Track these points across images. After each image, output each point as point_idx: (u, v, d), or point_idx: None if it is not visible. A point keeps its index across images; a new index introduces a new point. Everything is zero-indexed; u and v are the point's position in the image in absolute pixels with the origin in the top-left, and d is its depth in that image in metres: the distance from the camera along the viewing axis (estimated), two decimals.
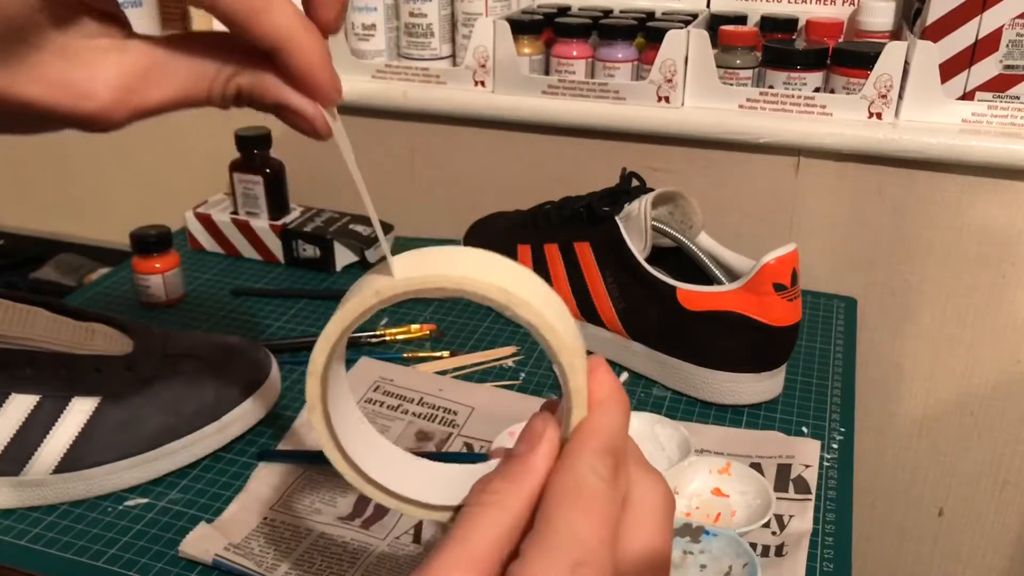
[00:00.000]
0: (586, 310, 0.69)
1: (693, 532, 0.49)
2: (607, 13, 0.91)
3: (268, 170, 0.84)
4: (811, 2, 0.88)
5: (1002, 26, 0.74)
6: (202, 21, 1.06)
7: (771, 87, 0.80)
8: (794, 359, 0.70)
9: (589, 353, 0.31)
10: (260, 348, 0.62)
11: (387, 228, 0.86)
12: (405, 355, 0.70)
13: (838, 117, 0.79)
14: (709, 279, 0.67)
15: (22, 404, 0.52)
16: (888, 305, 0.86)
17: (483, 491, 0.29)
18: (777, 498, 0.54)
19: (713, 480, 0.55)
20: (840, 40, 0.83)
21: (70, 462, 0.53)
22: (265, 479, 0.55)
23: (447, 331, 0.74)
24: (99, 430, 0.53)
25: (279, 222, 0.85)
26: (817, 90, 0.80)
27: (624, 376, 0.68)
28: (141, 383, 0.55)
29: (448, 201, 0.95)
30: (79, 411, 0.53)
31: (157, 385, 0.56)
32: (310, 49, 0.32)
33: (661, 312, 0.64)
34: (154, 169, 1.09)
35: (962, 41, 0.75)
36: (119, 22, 0.34)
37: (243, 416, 0.58)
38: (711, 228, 0.69)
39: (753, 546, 0.51)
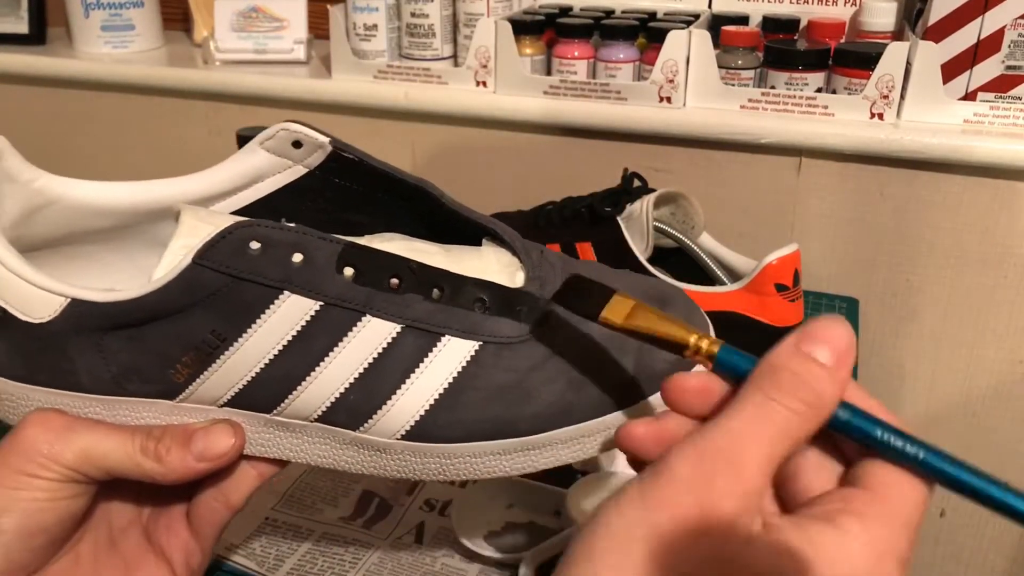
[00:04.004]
0: None
1: None
2: (609, 13, 0.91)
3: None
4: (813, 2, 0.88)
5: (1004, 26, 0.74)
6: (203, 22, 1.06)
7: (773, 87, 0.80)
8: None
9: None
10: (696, 307, 0.43)
11: None
12: None
13: (840, 117, 0.79)
14: (711, 280, 0.67)
15: (377, 332, 0.36)
16: (890, 305, 0.86)
17: (794, 391, 0.26)
18: None
19: None
20: (842, 40, 0.83)
21: (426, 428, 0.37)
22: None
23: None
24: (471, 392, 0.37)
25: None
26: (819, 90, 0.79)
27: None
28: (534, 335, 0.38)
29: None
30: (450, 358, 0.37)
31: (554, 341, 0.38)
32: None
33: None
34: (155, 169, 1.09)
35: (964, 41, 0.75)
36: None
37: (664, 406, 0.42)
38: (713, 228, 0.69)
39: None
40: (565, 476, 0.55)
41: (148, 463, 0.35)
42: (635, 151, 0.87)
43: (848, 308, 0.81)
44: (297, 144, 0.39)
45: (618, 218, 0.66)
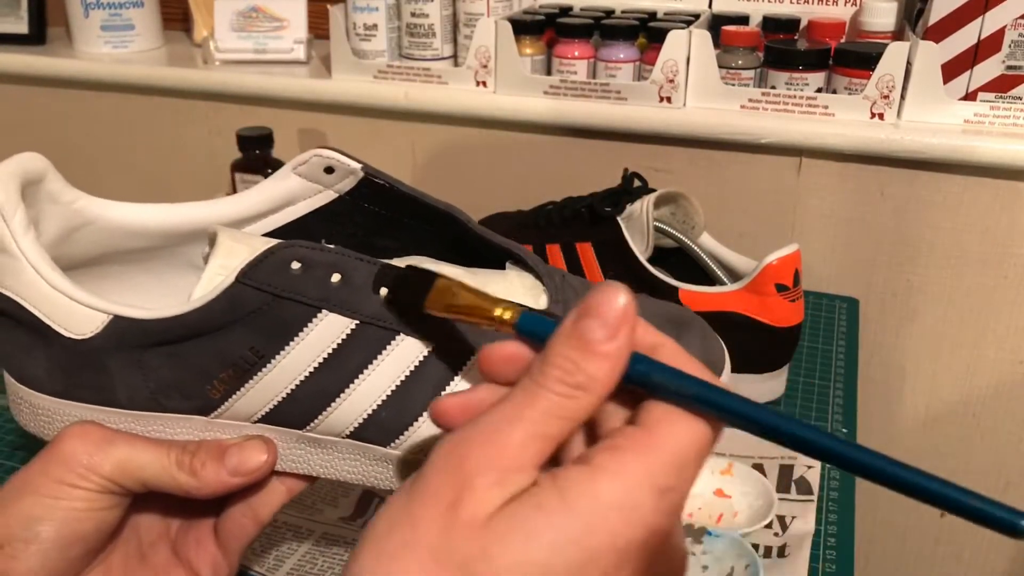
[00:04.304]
0: None
1: (695, 533, 0.49)
2: (609, 13, 0.91)
3: (269, 170, 0.84)
4: (813, 2, 0.88)
5: (1004, 26, 0.74)
6: (203, 22, 1.06)
7: (773, 87, 0.80)
8: (796, 360, 0.70)
9: None
10: (711, 331, 0.45)
11: None
12: None
13: (840, 117, 0.78)
14: (711, 280, 0.67)
15: (410, 350, 0.37)
16: (890, 306, 0.86)
17: (563, 377, 0.25)
18: (779, 499, 0.53)
19: (715, 481, 0.55)
20: (842, 40, 0.83)
21: None
22: None
23: None
24: None
25: None
26: (819, 90, 0.79)
27: None
28: None
29: (450, 201, 0.95)
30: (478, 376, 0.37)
31: None
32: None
33: None
34: (155, 169, 1.09)
35: (964, 41, 0.75)
36: None
37: None
38: (713, 228, 0.69)
39: (755, 547, 0.50)
40: None
41: (183, 476, 0.36)
42: (635, 151, 0.87)
43: (848, 308, 0.81)
44: (329, 170, 0.40)
45: (618, 218, 0.66)
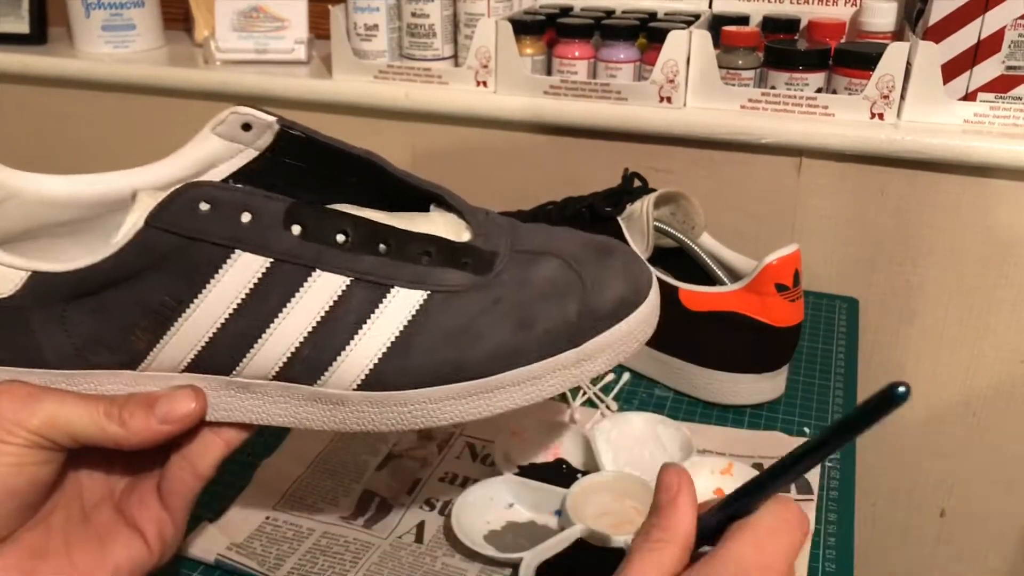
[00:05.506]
0: None
1: None
2: (609, 13, 0.91)
3: None
4: (813, 2, 0.88)
5: (1004, 27, 0.74)
6: (204, 22, 1.06)
7: (773, 87, 0.80)
8: (796, 360, 0.70)
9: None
10: (637, 257, 0.45)
11: None
12: None
13: (840, 118, 0.79)
14: (711, 279, 0.67)
15: (328, 286, 0.37)
16: (890, 306, 0.86)
17: (646, 540, 0.33)
18: None
19: (715, 481, 0.55)
20: (842, 41, 0.83)
21: (381, 376, 0.38)
22: (268, 478, 0.55)
23: None
24: (421, 338, 0.38)
25: None
26: (819, 91, 0.79)
27: (626, 377, 0.68)
28: (480, 283, 0.39)
29: None
30: (399, 308, 0.38)
31: (500, 288, 0.40)
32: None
33: (663, 312, 0.64)
34: None
35: (964, 42, 0.75)
36: None
37: (611, 346, 0.41)
38: (713, 228, 0.69)
39: None
40: (565, 476, 0.55)
41: (112, 427, 0.36)
42: (635, 151, 0.87)
43: (848, 308, 0.81)
44: (247, 127, 0.40)
45: (618, 218, 0.66)
